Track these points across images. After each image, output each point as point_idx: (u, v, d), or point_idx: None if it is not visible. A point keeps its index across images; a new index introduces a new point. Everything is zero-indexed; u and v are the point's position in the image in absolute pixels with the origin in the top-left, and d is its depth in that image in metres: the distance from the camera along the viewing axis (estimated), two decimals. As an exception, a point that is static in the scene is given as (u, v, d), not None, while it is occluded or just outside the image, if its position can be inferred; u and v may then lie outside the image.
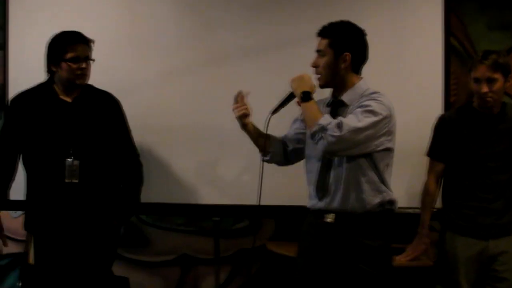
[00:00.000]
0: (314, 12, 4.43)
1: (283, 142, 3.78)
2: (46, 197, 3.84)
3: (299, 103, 3.50)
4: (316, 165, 3.59)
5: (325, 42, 3.54)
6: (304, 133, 3.69)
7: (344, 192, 3.48)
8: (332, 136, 3.32)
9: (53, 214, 3.83)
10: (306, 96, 3.46)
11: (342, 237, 3.50)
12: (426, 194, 4.01)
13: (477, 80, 3.77)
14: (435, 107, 4.37)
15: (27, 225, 3.96)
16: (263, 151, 3.73)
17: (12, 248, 4.15)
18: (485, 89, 3.74)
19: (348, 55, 3.53)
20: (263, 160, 3.75)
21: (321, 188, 3.55)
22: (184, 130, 4.48)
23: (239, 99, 3.66)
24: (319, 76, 3.55)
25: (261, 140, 3.71)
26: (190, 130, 4.48)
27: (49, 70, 3.87)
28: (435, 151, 3.99)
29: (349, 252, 3.49)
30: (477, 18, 4.82)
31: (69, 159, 3.80)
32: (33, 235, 4.01)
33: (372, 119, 3.38)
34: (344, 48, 3.54)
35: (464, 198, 3.88)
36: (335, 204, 3.51)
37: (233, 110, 3.65)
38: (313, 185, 3.60)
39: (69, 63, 3.77)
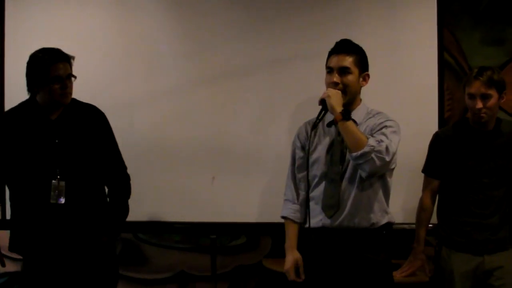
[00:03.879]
0: (310, 31, 4.43)
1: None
2: (31, 218, 3.74)
3: (336, 121, 3.50)
4: (323, 183, 3.63)
5: (350, 59, 3.58)
6: (306, 157, 3.71)
7: (353, 210, 3.54)
8: (384, 159, 3.41)
9: (39, 235, 3.74)
10: (347, 115, 3.48)
11: (347, 253, 3.56)
12: (422, 210, 4.01)
13: (472, 96, 3.78)
14: (431, 123, 4.38)
15: (12, 246, 3.87)
16: None
17: (9, 267, 4.13)
18: (479, 105, 3.74)
19: (368, 75, 3.62)
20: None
21: (331, 205, 3.58)
22: (181, 148, 4.48)
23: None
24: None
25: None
26: (186, 149, 4.48)
27: (31, 90, 3.77)
28: (430, 168, 4.00)
29: (354, 267, 3.55)
30: (470, 33, 4.85)
31: (54, 180, 3.71)
32: (21, 256, 3.93)
33: (397, 139, 3.52)
34: (366, 67, 3.61)
35: (460, 214, 3.88)
36: (342, 221, 3.56)
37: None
38: (318, 203, 3.63)
39: (51, 85, 3.68)
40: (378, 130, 3.53)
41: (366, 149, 3.40)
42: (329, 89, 3.57)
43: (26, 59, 3.82)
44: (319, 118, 3.60)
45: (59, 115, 3.80)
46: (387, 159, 3.42)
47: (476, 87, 3.75)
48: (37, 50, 3.76)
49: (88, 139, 3.82)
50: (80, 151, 3.79)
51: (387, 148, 3.41)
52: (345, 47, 3.63)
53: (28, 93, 3.80)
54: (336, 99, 3.51)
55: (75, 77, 3.77)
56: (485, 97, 3.74)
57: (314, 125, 3.62)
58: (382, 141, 3.43)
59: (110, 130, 3.94)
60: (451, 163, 3.90)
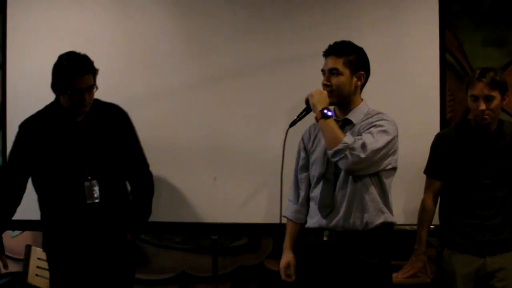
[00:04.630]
0: (312, 32, 4.44)
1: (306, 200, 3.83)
2: (67, 218, 3.81)
3: (317, 119, 3.55)
4: (320, 184, 3.64)
5: (340, 61, 3.60)
6: (308, 158, 3.78)
7: (347, 210, 3.54)
8: (358, 156, 3.41)
9: (75, 235, 3.81)
10: (325, 115, 3.52)
11: (342, 255, 3.55)
12: (423, 212, 4.01)
13: (475, 98, 3.77)
14: (432, 124, 4.37)
15: (45, 245, 3.94)
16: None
17: (10, 267, 4.14)
18: (482, 106, 3.74)
19: (363, 74, 3.62)
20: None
21: (326, 205, 3.59)
22: (182, 149, 4.48)
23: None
24: (330, 94, 3.60)
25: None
26: (188, 149, 4.48)
27: (54, 92, 3.80)
28: (432, 169, 3.99)
29: (349, 270, 3.54)
30: (472, 34, 4.85)
31: (87, 182, 3.78)
32: (52, 255, 3.94)
33: (386, 138, 3.49)
34: (359, 67, 3.61)
35: (462, 215, 3.88)
36: (337, 221, 3.55)
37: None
38: (316, 203, 3.64)
39: (71, 96, 3.70)
40: (367, 129, 3.54)
41: (339, 146, 3.43)
42: (315, 89, 3.63)
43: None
44: (300, 116, 3.69)
45: (84, 116, 3.84)
46: (362, 155, 3.41)
47: (479, 88, 3.74)
48: (65, 54, 3.76)
49: (113, 139, 3.88)
50: (107, 151, 3.85)
51: (363, 145, 3.42)
52: (335, 49, 3.65)
53: (55, 95, 3.82)
54: (318, 98, 3.57)
55: (97, 87, 3.78)
56: (488, 99, 3.74)
57: (292, 123, 3.68)
58: (360, 138, 3.45)
59: (133, 129, 4.01)
60: (453, 164, 3.89)
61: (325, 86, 3.62)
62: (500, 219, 3.85)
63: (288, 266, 3.77)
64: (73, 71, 3.68)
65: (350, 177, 3.54)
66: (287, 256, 3.80)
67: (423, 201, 4.03)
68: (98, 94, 3.87)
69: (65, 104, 3.78)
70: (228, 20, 4.52)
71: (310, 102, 3.59)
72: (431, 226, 4.05)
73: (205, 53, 4.53)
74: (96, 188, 3.79)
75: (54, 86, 3.77)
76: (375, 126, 3.52)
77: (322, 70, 3.67)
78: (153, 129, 4.49)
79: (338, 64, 3.59)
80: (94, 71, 3.76)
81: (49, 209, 3.89)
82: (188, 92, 4.53)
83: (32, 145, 3.82)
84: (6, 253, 3.99)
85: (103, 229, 3.82)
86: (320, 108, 3.54)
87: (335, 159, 3.48)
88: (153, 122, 4.51)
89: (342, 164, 3.47)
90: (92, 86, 3.76)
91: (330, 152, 3.49)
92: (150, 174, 4.07)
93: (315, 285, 3.63)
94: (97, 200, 3.79)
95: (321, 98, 3.57)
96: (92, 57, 3.78)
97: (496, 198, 3.84)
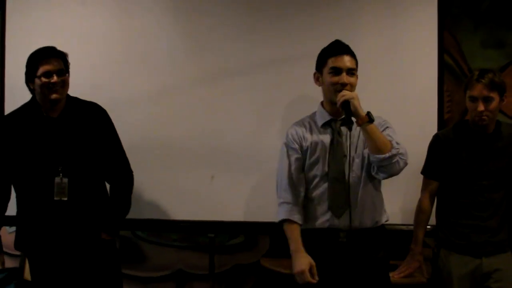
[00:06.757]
0: (310, 32, 4.44)
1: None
2: (35, 215, 3.80)
3: (359, 124, 3.47)
4: (323, 184, 3.64)
5: (354, 61, 3.61)
6: (303, 159, 3.73)
7: (361, 209, 3.59)
8: (405, 162, 3.50)
9: (43, 232, 3.79)
10: (371, 117, 3.48)
11: (355, 252, 3.59)
12: (420, 212, 4.01)
13: (474, 99, 3.77)
14: (430, 125, 4.38)
15: (17, 244, 3.92)
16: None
17: (7, 263, 4.13)
18: (481, 108, 3.74)
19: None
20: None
21: (339, 206, 3.59)
22: (180, 147, 4.48)
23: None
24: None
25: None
26: (185, 148, 4.48)
27: (30, 89, 3.82)
28: (429, 169, 4.00)
29: (361, 266, 3.59)
30: (471, 35, 4.85)
31: (58, 177, 3.75)
32: (24, 254, 3.93)
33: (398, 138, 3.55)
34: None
35: (458, 216, 3.89)
36: (353, 221, 3.57)
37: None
38: (324, 204, 3.63)
39: (41, 78, 3.71)
40: (382, 131, 3.56)
41: (393, 151, 3.45)
42: (345, 91, 3.53)
43: (26, 54, 3.83)
44: (349, 122, 3.52)
45: (60, 113, 3.82)
46: (407, 161, 3.50)
47: (478, 89, 3.75)
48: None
49: (89, 136, 3.84)
50: (82, 148, 3.82)
51: (405, 150, 3.50)
52: (348, 48, 3.65)
53: (30, 93, 3.83)
54: (359, 101, 3.48)
55: (67, 73, 3.79)
56: (487, 100, 3.74)
57: (349, 126, 3.53)
58: (398, 143, 3.49)
59: (112, 127, 3.97)
60: (450, 165, 3.90)
61: (343, 85, 3.55)
62: (497, 221, 3.86)
63: (311, 266, 3.59)
64: (40, 55, 3.74)
65: (363, 177, 3.59)
66: (306, 257, 3.59)
67: (419, 202, 4.04)
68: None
69: (39, 96, 3.78)
70: (227, 19, 4.52)
71: (353, 104, 3.45)
72: (428, 227, 4.05)
73: (202, 52, 4.53)
74: (66, 186, 3.75)
75: (27, 77, 3.79)
76: (388, 127, 3.60)
77: (337, 68, 3.58)
78: (150, 127, 4.51)
79: (354, 64, 3.61)
80: (62, 56, 3.79)
81: (22, 205, 3.88)
82: (186, 91, 4.52)
83: (8, 141, 3.82)
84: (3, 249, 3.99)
85: (72, 227, 3.79)
86: (363, 112, 3.47)
87: (385, 164, 3.47)
88: (151, 121, 4.51)
89: (390, 169, 3.49)
90: (62, 70, 3.76)
91: (381, 157, 3.45)
92: (130, 172, 4.03)
93: (326, 285, 3.62)
94: (64, 198, 3.75)
95: (359, 101, 3.49)
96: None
97: (493, 200, 3.85)
